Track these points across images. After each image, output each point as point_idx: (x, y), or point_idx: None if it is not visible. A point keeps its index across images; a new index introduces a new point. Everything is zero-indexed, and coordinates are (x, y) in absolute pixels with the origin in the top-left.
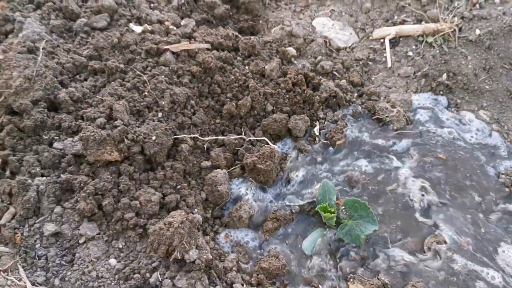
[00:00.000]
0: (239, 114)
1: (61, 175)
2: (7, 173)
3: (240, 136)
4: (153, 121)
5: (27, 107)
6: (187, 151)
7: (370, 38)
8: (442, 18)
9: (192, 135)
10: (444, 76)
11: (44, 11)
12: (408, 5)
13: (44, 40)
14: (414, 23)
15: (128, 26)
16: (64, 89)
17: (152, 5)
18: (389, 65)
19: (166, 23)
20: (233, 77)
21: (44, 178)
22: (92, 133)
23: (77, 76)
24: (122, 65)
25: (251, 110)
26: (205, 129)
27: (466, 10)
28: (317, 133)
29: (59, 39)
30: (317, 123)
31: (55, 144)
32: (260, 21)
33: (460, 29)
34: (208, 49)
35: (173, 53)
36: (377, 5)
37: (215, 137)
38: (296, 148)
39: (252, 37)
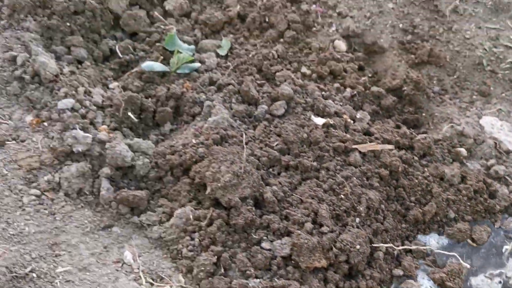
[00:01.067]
0: (423, 220)
1: (274, 279)
2: (221, 270)
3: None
4: (353, 227)
5: (236, 204)
6: (382, 258)
7: None
8: None
9: (387, 245)
10: None
11: (226, 94)
12: None
13: (244, 134)
14: None
15: (306, 115)
16: (268, 187)
17: (324, 93)
18: None
19: (344, 116)
20: (416, 180)
21: (259, 280)
22: (305, 241)
23: (270, 169)
24: (315, 163)
25: (433, 215)
26: (393, 235)
27: None
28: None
29: (242, 124)
30: (509, 243)
31: (263, 244)
32: (424, 114)
33: None
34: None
35: (359, 152)
36: None
37: (409, 247)
38: None
39: (426, 135)
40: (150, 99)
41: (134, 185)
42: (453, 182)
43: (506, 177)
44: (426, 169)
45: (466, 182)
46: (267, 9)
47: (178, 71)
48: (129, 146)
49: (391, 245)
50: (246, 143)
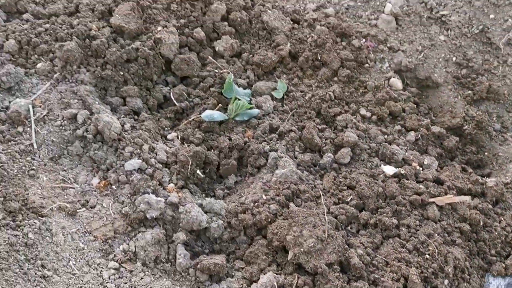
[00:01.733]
0: (505, 273)
1: None
2: None
3: None
4: None
5: (324, 271)
6: None
7: None
8: None
9: None
10: None
11: (288, 142)
12: None
13: (325, 197)
14: None
15: (373, 163)
16: (353, 250)
17: (387, 137)
18: None
19: (413, 164)
20: (495, 232)
21: None
22: None
23: (348, 227)
24: (394, 220)
25: None
26: None
27: None
28: None
29: (309, 175)
30: None
31: None
32: (486, 153)
33: None
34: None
35: (436, 205)
36: None
37: None
38: None
39: (496, 180)
40: (213, 150)
41: (208, 247)
42: None
43: None
44: (502, 218)
45: None
46: (319, 46)
47: (237, 118)
48: (201, 206)
49: None
50: (326, 205)
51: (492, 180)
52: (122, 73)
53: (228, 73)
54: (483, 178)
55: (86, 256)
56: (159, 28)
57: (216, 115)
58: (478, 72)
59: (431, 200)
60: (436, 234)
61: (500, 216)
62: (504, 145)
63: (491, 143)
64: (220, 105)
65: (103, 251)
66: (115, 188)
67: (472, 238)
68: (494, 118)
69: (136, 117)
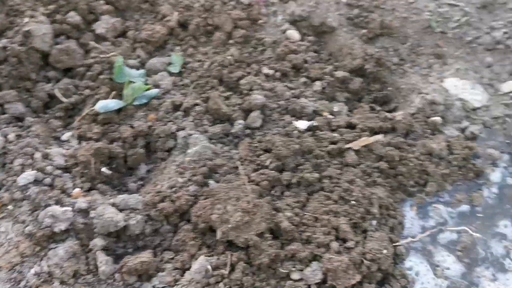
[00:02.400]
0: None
1: None
2: None
3: None
4: (373, 231)
5: (256, 243)
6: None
7: (499, 93)
8: None
9: (407, 240)
10: None
11: (195, 117)
12: None
13: (244, 166)
14: None
15: (285, 120)
16: (281, 214)
17: (293, 92)
18: None
19: (324, 113)
20: (411, 164)
21: None
22: (338, 263)
23: (272, 191)
24: (316, 174)
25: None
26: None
27: None
28: None
29: (223, 147)
30: None
31: (293, 276)
32: (390, 88)
33: None
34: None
35: (353, 150)
36: (498, 58)
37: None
38: None
39: (404, 113)
40: (115, 143)
41: (132, 246)
42: (442, 155)
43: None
44: (414, 148)
45: (453, 152)
46: (207, 10)
47: (135, 103)
48: (114, 205)
49: (411, 239)
50: (245, 174)
51: (399, 113)
52: None
53: (116, 55)
54: (391, 113)
55: None
56: (26, 19)
57: (111, 104)
58: (369, 10)
59: (347, 146)
60: (358, 179)
61: (413, 147)
62: (404, 77)
63: (392, 78)
64: (114, 92)
65: (13, 280)
66: (11, 208)
67: (391, 174)
68: (391, 53)
69: (20, 123)
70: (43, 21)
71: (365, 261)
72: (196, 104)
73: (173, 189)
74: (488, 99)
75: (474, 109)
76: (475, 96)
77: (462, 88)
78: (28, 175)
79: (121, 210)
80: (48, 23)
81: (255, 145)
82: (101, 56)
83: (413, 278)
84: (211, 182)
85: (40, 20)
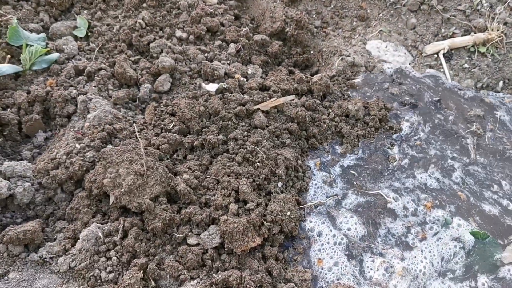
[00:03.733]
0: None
1: (211, 274)
2: (152, 283)
3: None
4: (277, 193)
5: (149, 206)
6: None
7: (424, 54)
8: (489, 26)
9: (314, 202)
10: (501, 83)
11: (99, 82)
12: (453, 17)
13: (135, 124)
14: (462, 35)
15: (195, 84)
16: (178, 177)
17: (207, 55)
18: (449, 79)
19: (236, 76)
20: (325, 125)
21: (196, 281)
22: (235, 225)
23: (174, 155)
24: (221, 136)
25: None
26: None
27: (508, 16)
28: None
29: (127, 112)
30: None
31: (190, 241)
32: (312, 52)
33: (505, 35)
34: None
35: (262, 111)
36: (422, 20)
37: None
38: None
39: (321, 75)
40: (9, 109)
41: (21, 216)
42: (358, 116)
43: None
44: (330, 110)
45: (370, 113)
46: None
47: (34, 68)
48: (0, 173)
49: (318, 201)
50: (139, 133)
51: (316, 76)
52: None
53: (12, 18)
54: (308, 76)
55: None
56: None
57: (5, 68)
58: None
59: (256, 107)
60: (264, 140)
61: (329, 108)
62: (326, 40)
63: (314, 41)
64: (9, 56)
65: None
66: None
67: (303, 136)
68: (314, 16)
69: None
70: None
71: (265, 223)
72: (101, 69)
73: (69, 155)
74: (411, 61)
75: (399, 72)
76: (398, 58)
77: (385, 50)
78: None
79: (8, 179)
80: None
81: (162, 109)
82: None
83: (315, 238)
84: (109, 147)
85: None
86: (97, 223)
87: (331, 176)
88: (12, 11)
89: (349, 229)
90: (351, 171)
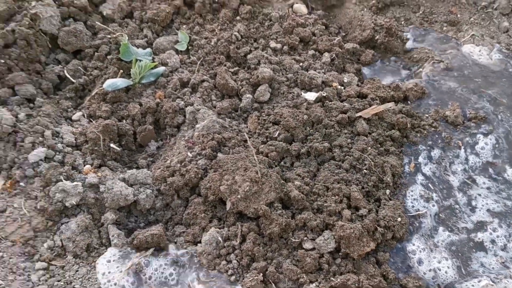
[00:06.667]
0: None
1: (329, 278)
2: (273, 286)
3: None
4: (386, 200)
5: (265, 212)
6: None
7: None
8: None
9: (421, 212)
10: None
11: (203, 93)
12: None
13: (253, 139)
14: None
15: (293, 93)
16: (290, 183)
17: (302, 64)
18: None
19: (334, 84)
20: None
21: (314, 284)
22: (351, 230)
23: (282, 162)
24: (326, 144)
25: None
26: None
27: None
28: None
29: (231, 121)
30: None
31: (306, 245)
32: (402, 58)
33: None
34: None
35: (364, 119)
36: None
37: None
38: None
39: (413, 81)
40: (124, 120)
41: (143, 221)
42: (457, 122)
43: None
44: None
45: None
46: None
47: (143, 81)
48: (124, 180)
49: (425, 210)
50: (253, 146)
51: (410, 81)
52: (3, 61)
53: (122, 35)
54: (403, 82)
55: (8, 264)
56: (33, 3)
57: (119, 82)
58: None
59: (358, 114)
60: (369, 147)
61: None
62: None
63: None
64: (121, 71)
65: (26, 254)
66: (23, 185)
67: (404, 143)
68: (403, 22)
69: (31, 104)
70: (50, 3)
71: (379, 229)
72: (204, 80)
73: (183, 163)
74: (506, 64)
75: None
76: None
77: (479, 54)
78: (39, 152)
79: (131, 185)
80: (54, 6)
81: (264, 118)
82: (108, 36)
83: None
84: (219, 155)
85: (47, 3)
86: (215, 227)
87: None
88: (119, 28)
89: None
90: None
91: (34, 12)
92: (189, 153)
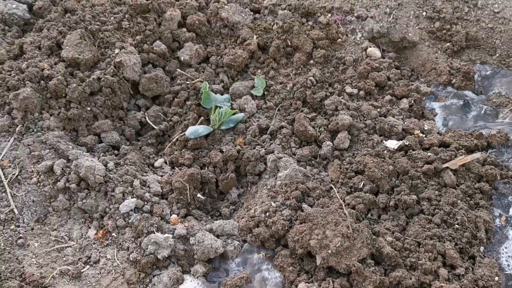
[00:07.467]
0: None
1: None
2: None
3: None
4: (481, 257)
5: (358, 269)
6: None
7: None
8: None
9: None
10: None
11: (282, 140)
12: None
13: (337, 189)
14: None
15: (373, 140)
16: (381, 239)
17: (379, 110)
18: None
19: (415, 132)
20: None
21: None
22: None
23: (369, 215)
24: (414, 196)
25: None
26: None
27: None
28: None
29: (312, 169)
30: None
31: None
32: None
33: None
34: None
35: (450, 170)
36: None
37: None
38: None
39: (499, 129)
40: (206, 168)
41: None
42: None
43: None
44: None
45: None
46: (286, 32)
47: (222, 128)
48: (211, 231)
49: None
50: (341, 197)
51: (494, 129)
52: (89, 108)
53: (201, 81)
54: (485, 130)
55: None
56: (116, 50)
57: (201, 129)
58: (452, 22)
59: (445, 165)
60: (459, 201)
61: (510, 162)
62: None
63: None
64: (201, 118)
65: None
66: (115, 236)
67: (493, 194)
68: (479, 65)
69: (116, 152)
70: (132, 51)
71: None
72: (282, 127)
73: (267, 214)
74: None
75: None
76: None
77: None
78: (130, 202)
79: (218, 236)
80: (136, 53)
81: (346, 166)
82: (187, 82)
83: None
84: (305, 206)
85: (129, 51)
86: (305, 282)
87: None
88: (196, 73)
89: None
90: None
91: (118, 60)
92: (272, 203)
